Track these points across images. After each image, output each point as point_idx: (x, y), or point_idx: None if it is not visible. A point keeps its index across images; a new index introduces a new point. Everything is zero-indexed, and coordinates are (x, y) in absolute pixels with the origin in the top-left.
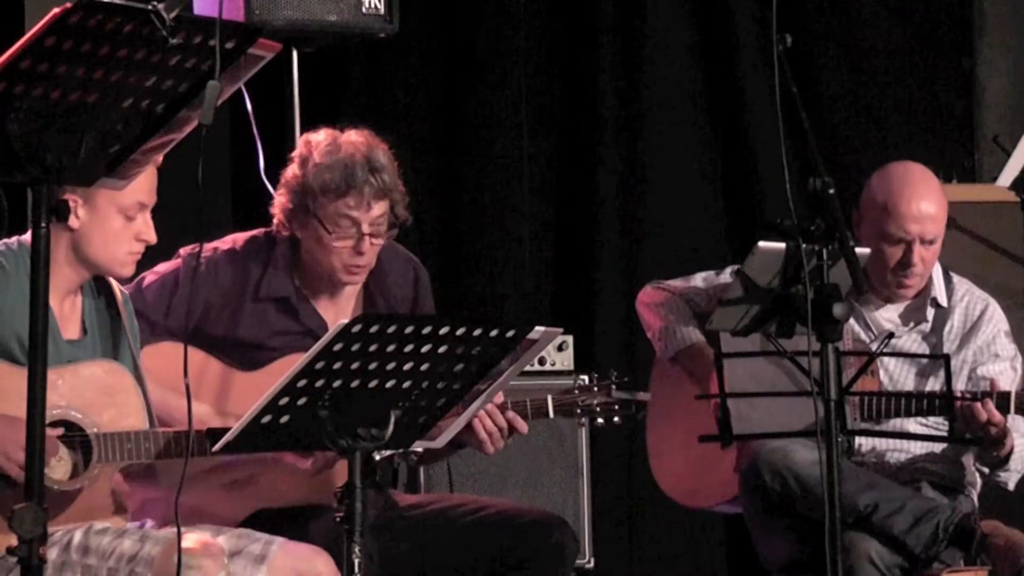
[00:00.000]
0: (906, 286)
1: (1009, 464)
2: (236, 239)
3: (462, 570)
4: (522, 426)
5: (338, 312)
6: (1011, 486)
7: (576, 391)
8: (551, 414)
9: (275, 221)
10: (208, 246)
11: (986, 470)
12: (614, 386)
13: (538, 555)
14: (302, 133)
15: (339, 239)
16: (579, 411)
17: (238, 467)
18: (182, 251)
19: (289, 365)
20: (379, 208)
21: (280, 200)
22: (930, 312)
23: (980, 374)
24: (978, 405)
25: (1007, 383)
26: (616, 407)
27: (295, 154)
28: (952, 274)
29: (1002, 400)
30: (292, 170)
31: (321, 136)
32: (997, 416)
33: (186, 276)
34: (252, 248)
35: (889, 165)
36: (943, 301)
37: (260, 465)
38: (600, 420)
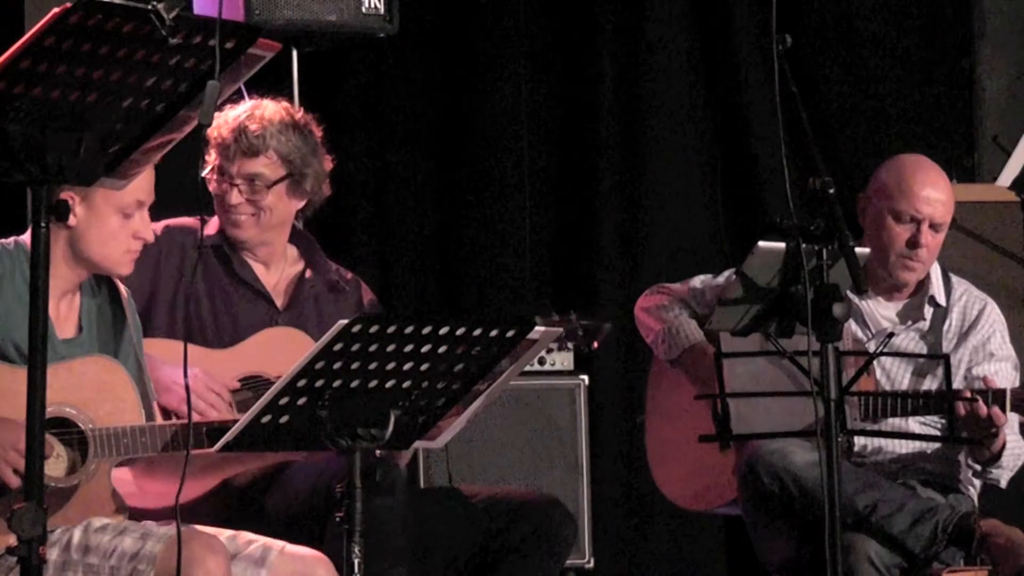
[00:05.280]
0: (911, 269)
1: (1001, 461)
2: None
3: (456, 553)
4: None
5: (268, 269)
6: (1003, 483)
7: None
8: None
9: None
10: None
11: (978, 467)
12: (574, 315)
13: (533, 535)
14: None
15: (215, 183)
16: None
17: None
18: None
19: (254, 343)
20: (250, 164)
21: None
22: (928, 311)
23: (975, 374)
24: (982, 404)
25: (1002, 383)
26: (580, 332)
27: None
28: (951, 274)
29: (997, 398)
30: None
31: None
32: (1000, 416)
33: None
34: (186, 222)
35: (900, 155)
36: (941, 300)
37: None
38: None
